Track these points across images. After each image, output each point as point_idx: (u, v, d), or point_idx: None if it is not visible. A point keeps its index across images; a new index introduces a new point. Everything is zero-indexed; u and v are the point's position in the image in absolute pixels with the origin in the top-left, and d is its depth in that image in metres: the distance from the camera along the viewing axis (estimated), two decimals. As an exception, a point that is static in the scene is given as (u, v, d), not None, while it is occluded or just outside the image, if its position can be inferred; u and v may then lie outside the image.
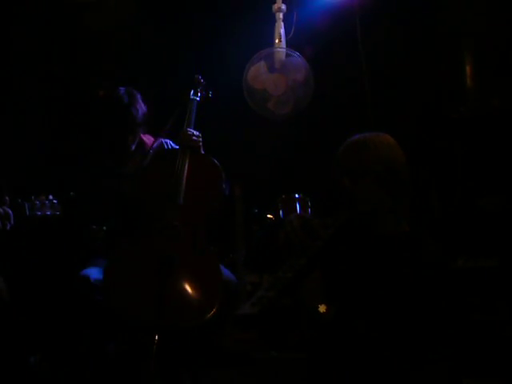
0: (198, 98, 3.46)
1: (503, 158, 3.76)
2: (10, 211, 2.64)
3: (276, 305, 1.79)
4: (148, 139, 3.47)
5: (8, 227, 2.63)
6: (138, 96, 3.34)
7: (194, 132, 3.31)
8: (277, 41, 3.99)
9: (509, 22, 3.97)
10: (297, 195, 4.06)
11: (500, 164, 3.77)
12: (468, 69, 4.15)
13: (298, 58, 3.92)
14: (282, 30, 4.01)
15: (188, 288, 2.90)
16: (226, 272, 3.18)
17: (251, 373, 2.31)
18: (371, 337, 1.87)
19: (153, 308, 2.63)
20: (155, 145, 3.41)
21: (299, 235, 2.02)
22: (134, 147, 3.42)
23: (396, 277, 1.92)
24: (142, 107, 3.32)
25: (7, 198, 2.65)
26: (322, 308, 1.89)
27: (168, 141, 3.54)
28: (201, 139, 3.32)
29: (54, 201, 2.79)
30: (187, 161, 3.19)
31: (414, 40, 4.21)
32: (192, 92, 3.45)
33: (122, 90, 3.33)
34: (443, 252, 2.04)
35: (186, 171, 3.15)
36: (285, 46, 3.99)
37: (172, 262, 2.74)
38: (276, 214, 4.08)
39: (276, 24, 4.03)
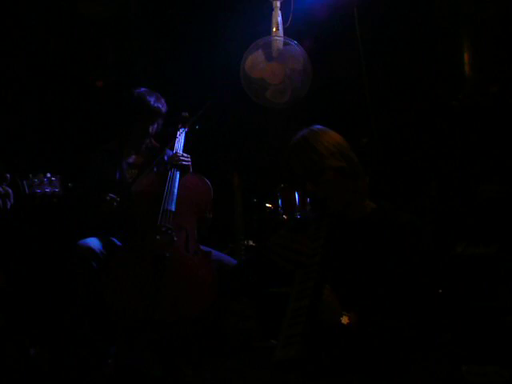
0: (186, 130, 3.68)
1: (502, 146, 3.75)
2: (10, 190, 2.63)
3: (310, 340, 1.75)
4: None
5: (8, 206, 2.62)
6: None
7: (184, 154, 3.55)
8: (274, 29, 3.97)
9: (507, 9, 3.95)
10: (295, 184, 4.05)
11: (499, 151, 3.76)
12: (466, 56, 4.14)
13: (295, 47, 3.91)
14: (280, 19, 3.99)
15: (182, 285, 3.08)
16: (227, 259, 3.39)
17: (251, 362, 2.31)
18: (366, 324, 1.89)
19: (150, 305, 2.93)
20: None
21: (290, 257, 1.96)
22: (147, 142, 3.66)
23: (381, 252, 1.96)
24: (165, 105, 3.63)
25: (8, 175, 2.64)
26: (345, 319, 1.87)
27: None
28: (189, 160, 3.54)
29: (53, 178, 2.79)
30: (178, 176, 3.42)
31: (412, 28, 4.19)
32: (180, 126, 3.67)
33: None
34: (419, 221, 2.06)
35: (177, 184, 3.37)
36: (282, 35, 3.97)
37: (165, 261, 3.03)
38: (275, 203, 4.09)
39: (273, 12, 4.01)
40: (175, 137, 3.62)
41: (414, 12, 4.17)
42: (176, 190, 3.33)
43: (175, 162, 3.46)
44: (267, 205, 4.17)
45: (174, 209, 3.26)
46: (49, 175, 2.79)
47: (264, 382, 1.94)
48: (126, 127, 3.61)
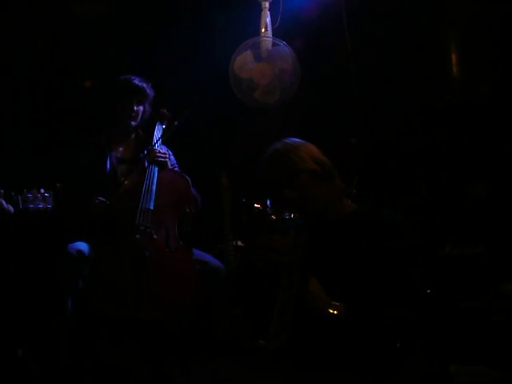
0: (164, 126, 3.66)
1: (489, 146, 3.77)
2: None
3: (297, 326, 1.82)
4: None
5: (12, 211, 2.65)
6: None
7: (161, 150, 3.53)
8: (263, 30, 3.97)
9: (494, 9, 3.97)
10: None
11: (486, 151, 3.78)
12: (454, 57, 4.15)
13: (284, 47, 3.91)
14: (268, 19, 3.99)
15: (164, 282, 3.09)
16: (210, 259, 3.40)
17: (240, 362, 2.32)
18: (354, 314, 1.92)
19: (133, 302, 2.96)
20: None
21: (270, 257, 2.03)
22: (135, 130, 3.62)
23: (362, 249, 2.00)
24: (151, 89, 3.62)
25: (2, 190, 2.67)
26: (333, 309, 1.91)
27: (164, 147, 3.65)
28: (167, 156, 3.54)
29: (46, 194, 2.82)
30: (156, 173, 3.40)
31: (400, 29, 4.20)
32: (158, 123, 3.65)
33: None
34: (401, 218, 2.10)
35: (155, 181, 3.36)
36: (271, 35, 3.97)
37: (145, 260, 3.06)
38: (263, 204, 4.08)
39: (262, 13, 4.01)
40: (152, 133, 3.59)
41: (402, 13, 4.17)
42: (154, 188, 3.32)
43: (152, 158, 3.45)
44: (256, 205, 4.17)
45: (152, 207, 3.26)
46: (42, 191, 2.84)
47: (253, 381, 1.96)
48: (111, 109, 3.56)
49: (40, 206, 2.81)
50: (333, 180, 2.16)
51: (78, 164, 3.51)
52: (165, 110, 3.67)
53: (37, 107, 4.25)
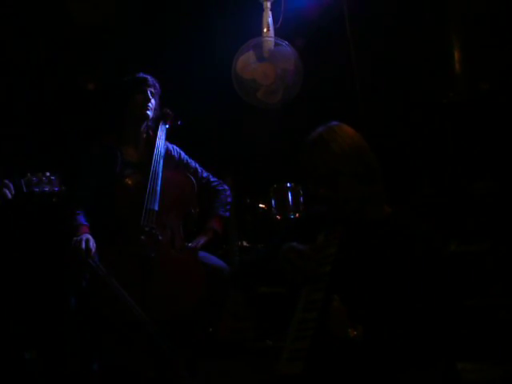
0: (167, 126, 3.63)
1: (493, 142, 3.77)
2: (10, 183, 2.64)
3: (315, 354, 1.72)
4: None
5: (9, 196, 2.63)
6: None
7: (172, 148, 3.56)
8: (265, 30, 3.96)
9: (496, 6, 3.97)
10: (288, 184, 4.08)
11: (490, 148, 3.78)
12: (456, 54, 4.15)
13: (286, 47, 3.91)
14: (270, 20, 3.99)
15: (171, 283, 3.09)
16: (214, 260, 3.38)
17: (247, 362, 2.32)
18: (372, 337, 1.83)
19: (139, 304, 2.97)
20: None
21: (301, 267, 1.91)
22: (144, 135, 3.57)
23: (391, 260, 1.88)
24: (156, 83, 3.57)
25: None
26: (352, 332, 1.79)
27: (174, 146, 3.66)
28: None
29: (52, 177, 2.78)
30: (160, 173, 3.36)
31: (402, 26, 4.20)
32: (161, 123, 3.61)
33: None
34: (433, 230, 1.99)
35: (160, 182, 3.32)
36: (273, 36, 3.97)
37: (151, 261, 3.06)
38: (268, 204, 4.09)
39: (264, 13, 4.00)
40: (156, 133, 3.56)
41: (404, 10, 4.17)
42: (159, 188, 3.29)
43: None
44: (260, 205, 4.18)
45: (157, 208, 3.24)
46: (48, 174, 2.79)
47: (259, 382, 1.94)
48: (127, 104, 3.50)
49: (46, 188, 2.77)
50: (375, 184, 1.97)
51: (84, 166, 3.49)
52: (168, 110, 3.65)
53: (43, 106, 4.26)
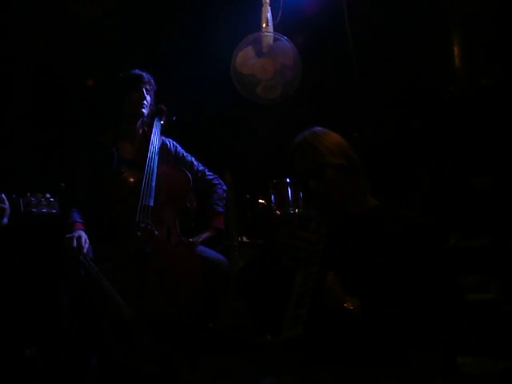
0: (162, 122, 3.65)
1: (493, 138, 3.77)
2: (7, 205, 2.64)
3: (314, 318, 1.82)
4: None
5: (5, 221, 2.63)
6: None
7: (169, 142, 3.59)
8: (264, 25, 3.96)
9: (496, 2, 3.96)
10: (288, 180, 4.08)
11: (490, 143, 3.78)
12: (456, 49, 4.14)
13: (285, 42, 3.90)
14: (269, 15, 3.99)
15: (167, 278, 3.10)
16: (213, 254, 3.39)
17: (247, 359, 2.32)
18: (368, 310, 1.92)
19: (136, 300, 2.96)
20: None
21: (295, 245, 2.05)
22: (140, 131, 3.59)
23: (384, 249, 2.01)
24: (151, 78, 3.59)
25: (3, 194, 2.65)
26: (348, 304, 1.91)
27: (171, 140, 3.68)
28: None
29: (51, 199, 2.80)
30: (155, 169, 3.37)
31: (401, 22, 4.19)
32: (156, 119, 3.62)
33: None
34: (420, 219, 2.10)
35: (155, 177, 3.32)
36: (272, 31, 3.96)
37: (148, 257, 3.05)
38: (268, 199, 4.09)
39: (263, 8, 4.00)
40: (151, 129, 3.57)
41: (404, 5, 4.17)
42: (154, 184, 3.29)
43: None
44: (260, 201, 4.18)
45: (152, 203, 3.24)
46: (47, 196, 2.80)
47: (259, 379, 1.96)
48: (121, 102, 3.53)
49: (43, 210, 2.78)
50: (358, 175, 2.16)
51: (80, 164, 3.48)
52: (163, 106, 3.66)
53: (38, 107, 4.26)
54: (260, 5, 4.02)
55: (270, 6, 4.01)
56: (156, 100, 3.63)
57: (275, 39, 3.92)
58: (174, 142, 3.69)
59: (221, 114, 4.41)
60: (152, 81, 3.56)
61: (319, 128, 2.23)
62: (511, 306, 3.20)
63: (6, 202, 2.66)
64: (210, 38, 4.35)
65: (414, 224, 2.05)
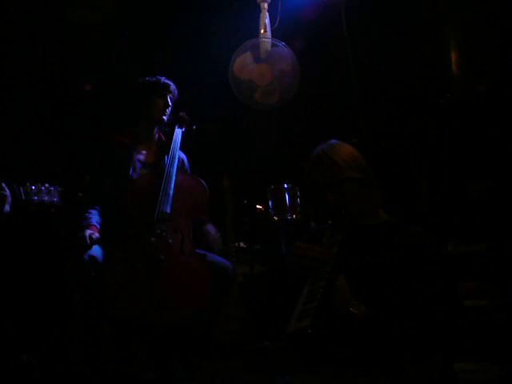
0: (183, 130, 3.66)
1: (490, 144, 3.77)
2: (8, 193, 2.64)
3: (323, 313, 1.84)
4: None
5: (6, 209, 2.63)
6: None
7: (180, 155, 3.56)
8: (262, 31, 3.97)
9: (493, 8, 3.97)
10: (286, 185, 4.08)
11: (487, 150, 3.78)
12: (453, 56, 4.15)
13: (283, 48, 3.91)
14: (267, 20, 4.00)
15: (178, 288, 3.04)
16: (220, 259, 3.35)
17: (245, 363, 2.31)
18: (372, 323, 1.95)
19: (145, 306, 2.85)
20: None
21: (304, 264, 2.05)
22: (156, 137, 3.60)
23: (392, 261, 2.05)
24: (175, 89, 3.62)
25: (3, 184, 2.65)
26: (355, 309, 1.95)
27: (181, 153, 3.66)
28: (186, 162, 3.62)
29: (52, 188, 2.79)
30: (173, 176, 3.36)
31: (399, 28, 4.20)
32: (177, 126, 3.62)
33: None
34: (430, 235, 2.14)
35: (173, 185, 3.31)
36: (270, 36, 3.97)
37: (160, 264, 2.97)
38: (265, 205, 4.09)
39: (261, 14, 4.01)
40: (171, 137, 3.56)
41: (402, 11, 4.18)
42: (171, 191, 3.27)
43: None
44: (258, 206, 4.18)
45: (169, 210, 3.21)
46: (47, 185, 2.80)
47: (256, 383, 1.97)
48: (145, 105, 3.52)
49: (45, 198, 2.78)
50: (372, 188, 2.22)
51: (99, 163, 3.48)
52: (184, 114, 3.67)
53: (58, 106, 4.26)
54: (258, 11, 4.03)
55: (268, 11, 4.02)
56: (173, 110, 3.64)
57: (273, 45, 3.93)
58: (184, 156, 3.68)
59: (219, 119, 4.41)
60: (176, 92, 3.59)
61: (335, 141, 2.27)
62: (508, 312, 3.20)
63: (7, 190, 2.66)
64: (208, 44, 4.36)
65: (422, 240, 2.10)
